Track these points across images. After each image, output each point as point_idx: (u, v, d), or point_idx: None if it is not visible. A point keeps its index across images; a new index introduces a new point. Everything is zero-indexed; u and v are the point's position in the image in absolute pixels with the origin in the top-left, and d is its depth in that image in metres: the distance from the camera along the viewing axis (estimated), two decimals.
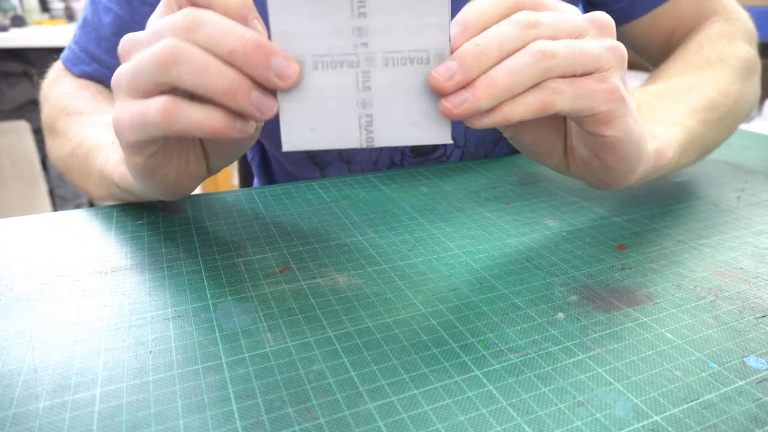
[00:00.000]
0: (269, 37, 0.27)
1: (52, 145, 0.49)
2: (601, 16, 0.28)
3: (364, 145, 0.27)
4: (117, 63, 0.50)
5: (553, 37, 0.26)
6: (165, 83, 0.26)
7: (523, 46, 0.26)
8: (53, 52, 2.04)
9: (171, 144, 0.30)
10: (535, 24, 0.26)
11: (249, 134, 0.27)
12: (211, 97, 0.25)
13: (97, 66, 0.51)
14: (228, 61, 0.25)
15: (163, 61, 0.25)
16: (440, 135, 0.27)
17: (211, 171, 0.35)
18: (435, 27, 0.26)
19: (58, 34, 1.72)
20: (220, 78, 0.25)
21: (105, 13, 0.50)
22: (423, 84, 0.26)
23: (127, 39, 0.28)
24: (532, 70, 0.25)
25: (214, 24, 0.25)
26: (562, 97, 0.26)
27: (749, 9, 1.16)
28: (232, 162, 0.35)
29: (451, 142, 0.27)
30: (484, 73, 0.25)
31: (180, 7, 0.27)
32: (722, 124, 0.42)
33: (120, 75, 0.27)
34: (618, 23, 0.55)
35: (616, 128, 0.28)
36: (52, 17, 2.01)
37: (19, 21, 1.80)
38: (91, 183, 0.42)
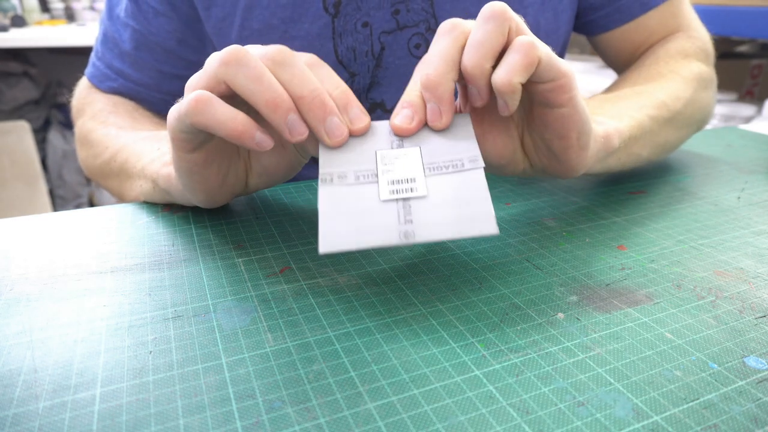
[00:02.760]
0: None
1: (86, 156, 0.51)
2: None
3: (403, 242, 0.26)
4: (142, 77, 0.51)
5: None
6: (222, 80, 0.28)
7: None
8: (53, 52, 2.04)
9: (214, 147, 0.32)
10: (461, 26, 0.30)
11: (264, 148, 0.29)
12: (254, 102, 0.28)
13: (123, 81, 0.52)
14: (295, 100, 0.28)
15: (226, 60, 0.28)
16: (488, 226, 0.27)
17: (249, 189, 0.37)
18: (464, 140, 0.30)
19: (58, 34, 1.72)
20: (269, 89, 0.28)
21: (124, 29, 0.51)
22: (461, 184, 0.28)
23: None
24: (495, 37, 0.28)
25: (300, 68, 0.29)
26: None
27: (749, 9, 1.16)
28: (271, 186, 0.37)
29: (497, 232, 0.27)
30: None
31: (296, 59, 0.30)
32: (673, 124, 0.44)
33: (192, 77, 0.30)
34: (593, 33, 0.57)
35: (570, 102, 0.31)
36: (52, 17, 2.01)
37: (19, 21, 1.80)
38: (127, 187, 0.43)
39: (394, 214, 0.27)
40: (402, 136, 0.30)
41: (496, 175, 0.43)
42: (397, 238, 0.26)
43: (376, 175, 0.28)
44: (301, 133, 0.29)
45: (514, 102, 0.29)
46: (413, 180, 0.28)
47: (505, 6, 0.29)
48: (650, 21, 0.54)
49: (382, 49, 0.48)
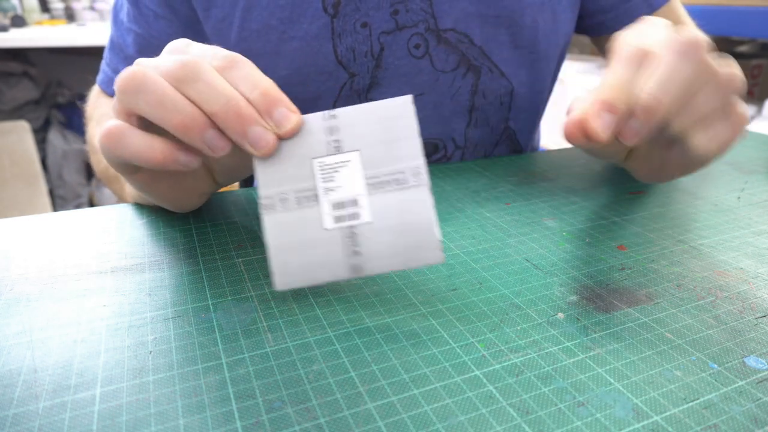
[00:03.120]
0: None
1: (94, 161, 0.52)
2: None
3: (353, 276, 0.27)
4: None
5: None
6: (128, 109, 0.27)
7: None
8: (53, 52, 2.04)
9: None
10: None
11: (193, 168, 0.28)
12: (165, 127, 0.26)
13: None
14: (209, 116, 0.26)
15: (122, 88, 0.26)
16: (433, 255, 0.27)
17: (220, 186, 0.36)
18: (405, 138, 0.27)
19: (58, 34, 1.72)
20: (175, 111, 0.26)
21: (127, 34, 0.51)
22: (406, 205, 0.27)
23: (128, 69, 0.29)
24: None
25: (207, 80, 0.26)
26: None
27: (749, 9, 1.16)
28: (244, 177, 0.36)
29: (443, 260, 0.27)
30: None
31: (214, 58, 0.28)
32: None
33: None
34: (600, 34, 0.58)
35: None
36: (52, 17, 2.01)
37: (19, 21, 1.80)
38: (125, 191, 0.44)
39: (340, 246, 0.27)
40: (583, 142, 0.28)
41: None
42: (347, 272, 0.27)
43: (317, 196, 0.27)
44: (222, 147, 0.27)
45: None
46: (356, 203, 0.27)
47: (702, 42, 0.27)
48: None
49: (382, 50, 0.48)
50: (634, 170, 0.37)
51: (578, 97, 0.30)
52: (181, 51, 0.29)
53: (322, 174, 0.27)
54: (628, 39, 0.30)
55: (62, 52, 2.03)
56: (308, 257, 0.27)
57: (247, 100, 0.26)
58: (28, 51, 1.99)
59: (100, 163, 0.49)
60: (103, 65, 0.55)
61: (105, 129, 0.27)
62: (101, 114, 0.51)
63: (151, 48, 0.50)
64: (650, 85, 0.27)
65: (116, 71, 0.53)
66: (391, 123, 0.27)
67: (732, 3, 1.19)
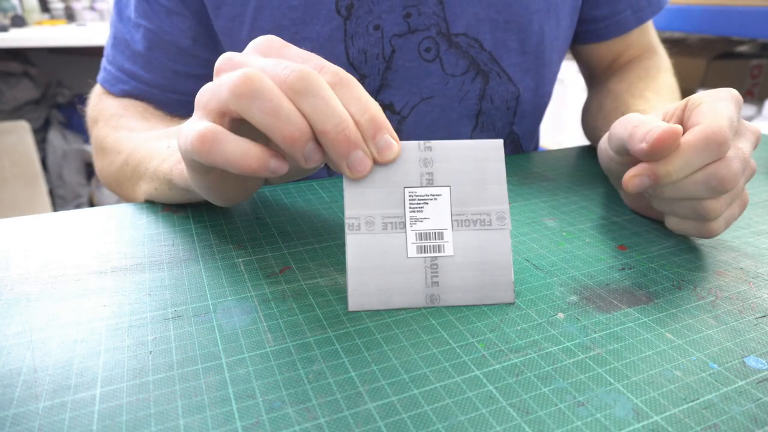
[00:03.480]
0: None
1: (102, 165, 0.50)
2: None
3: (428, 305, 0.28)
4: (154, 78, 0.50)
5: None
6: (234, 111, 0.26)
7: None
8: (53, 52, 2.04)
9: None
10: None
11: (280, 173, 0.27)
12: (270, 136, 0.26)
13: (136, 83, 0.51)
14: (318, 134, 0.26)
15: (239, 92, 0.25)
16: (506, 295, 0.28)
17: (268, 184, 0.36)
18: (495, 183, 0.29)
19: (58, 34, 1.72)
20: (288, 124, 0.25)
21: (135, 30, 0.50)
22: (487, 245, 0.28)
23: (225, 57, 0.29)
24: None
25: (323, 97, 0.26)
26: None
27: (749, 9, 1.16)
28: (291, 181, 0.36)
29: (514, 301, 0.29)
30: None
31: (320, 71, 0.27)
32: None
33: (203, 90, 0.28)
34: (585, 42, 0.60)
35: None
36: (52, 17, 2.01)
37: (19, 21, 1.80)
38: (140, 190, 0.42)
39: (422, 275, 0.27)
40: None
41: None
42: (423, 302, 0.28)
43: (404, 224, 0.28)
44: (316, 161, 0.27)
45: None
46: (441, 236, 0.28)
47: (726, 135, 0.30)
48: (631, 35, 0.59)
49: (393, 52, 0.49)
50: (624, 198, 0.40)
51: (634, 124, 0.33)
52: (280, 53, 0.28)
53: (412, 204, 0.28)
54: (715, 117, 0.31)
55: (62, 52, 2.03)
56: (387, 282, 0.27)
57: (356, 122, 0.27)
58: (28, 51, 1.99)
59: (112, 163, 0.47)
60: (105, 63, 0.53)
61: (198, 132, 0.26)
62: (110, 115, 0.50)
63: (162, 44, 0.49)
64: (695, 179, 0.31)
65: (121, 69, 0.51)
66: (482, 165, 0.29)
67: (732, 3, 1.19)
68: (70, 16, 2.04)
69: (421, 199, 0.28)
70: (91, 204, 2.08)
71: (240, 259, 0.33)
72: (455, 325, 0.27)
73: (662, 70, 0.56)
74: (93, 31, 1.77)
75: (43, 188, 1.55)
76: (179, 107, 0.51)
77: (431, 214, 0.28)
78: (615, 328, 0.27)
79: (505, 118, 0.55)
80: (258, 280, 0.31)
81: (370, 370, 0.24)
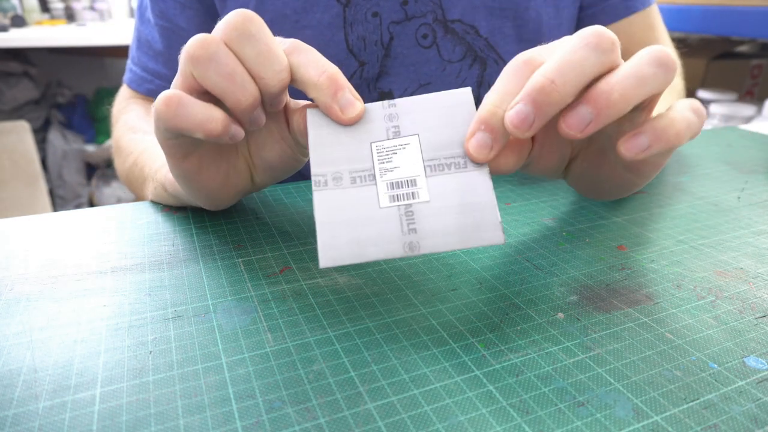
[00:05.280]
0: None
1: (117, 162, 0.52)
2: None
3: (408, 254, 0.25)
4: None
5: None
6: (196, 82, 0.27)
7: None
8: (53, 52, 2.04)
9: (208, 151, 0.31)
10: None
11: (238, 140, 0.28)
12: (225, 101, 0.27)
13: (160, 82, 0.53)
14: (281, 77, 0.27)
15: (196, 55, 0.26)
16: (494, 236, 0.25)
17: (256, 186, 0.36)
18: (465, 124, 0.27)
19: (58, 34, 1.71)
20: (242, 88, 0.26)
21: (155, 30, 0.52)
22: (465, 187, 0.26)
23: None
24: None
25: (266, 45, 0.26)
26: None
27: (749, 9, 1.16)
28: (278, 181, 0.36)
29: (504, 241, 0.25)
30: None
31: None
32: None
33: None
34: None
35: (655, 172, 0.30)
36: (52, 17, 2.01)
37: (19, 21, 1.80)
38: (146, 190, 0.43)
39: (397, 223, 0.26)
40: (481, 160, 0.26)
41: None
42: (402, 250, 0.25)
43: (374, 176, 0.27)
44: (260, 122, 0.28)
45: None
46: (413, 183, 0.26)
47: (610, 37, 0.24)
48: (632, 27, 0.57)
49: (391, 39, 0.49)
50: (573, 187, 0.34)
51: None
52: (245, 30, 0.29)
53: (380, 156, 0.27)
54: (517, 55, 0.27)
55: (62, 52, 2.03)
56: (359, 234, 0.25)
57: (315, 83, 0.27)
58: (28, 51, 1.99)
59: (125, 162, 0.49)
60: (130, 64, 0.56)
61: (164, 96, 0.26)
62: (130, 116, 0.51)
63: (180, 40, 0.51)
64: (542, 69, 0.24)
65: (145, 69, 0.53)
66: (450, 110, 0.28)
67: (732, 3, 1.19)
68: (70, 16, 2.03)
69: (389, 151, 0.27)
70: (91, 204, 2.08)
71: (240, 259, 0.33)
72: (455, 325, 0.27)
73: None
74: (93, 31, 1.77)
75: (43, 188, 1.55)
76: None
77: (401, 163, 0.27)
78: (615, 328, 0.27)
79: None
80: (258, 280, 0.31)
81: (370, 370, 0.24)
